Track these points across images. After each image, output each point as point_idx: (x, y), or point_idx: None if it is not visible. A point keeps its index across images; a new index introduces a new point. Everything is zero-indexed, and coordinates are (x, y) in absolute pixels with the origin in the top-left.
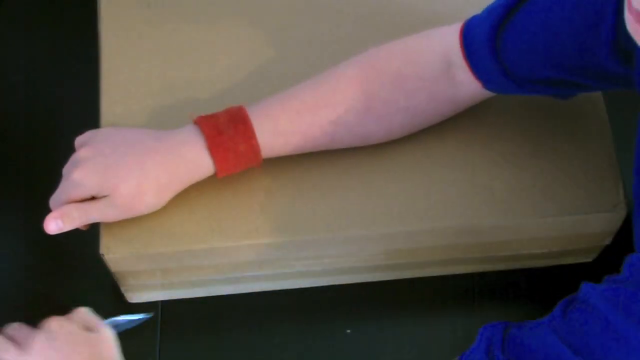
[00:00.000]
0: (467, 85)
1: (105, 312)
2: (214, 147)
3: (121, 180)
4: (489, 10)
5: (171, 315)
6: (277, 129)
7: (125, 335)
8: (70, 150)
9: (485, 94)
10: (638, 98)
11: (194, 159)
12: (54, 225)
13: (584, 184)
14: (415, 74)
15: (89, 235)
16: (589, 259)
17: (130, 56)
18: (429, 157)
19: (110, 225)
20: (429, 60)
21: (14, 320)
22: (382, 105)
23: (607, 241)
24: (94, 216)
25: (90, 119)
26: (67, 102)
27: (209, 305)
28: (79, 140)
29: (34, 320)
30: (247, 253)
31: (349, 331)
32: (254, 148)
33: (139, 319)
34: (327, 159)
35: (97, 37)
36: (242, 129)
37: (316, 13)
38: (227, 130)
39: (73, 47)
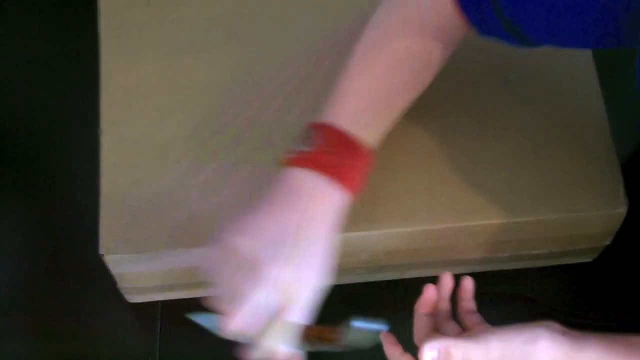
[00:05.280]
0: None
1: (105, 312)
2: (334, 174)
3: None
4: None
5: (171, 315)
6: (377, 129)
7: (125, 335)
8: (69, 150)
9: None
10: (637, 97)
11: (325, 199)
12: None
13: (584, 184)
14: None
15: (89, 235)
16: (589, 259)
17: (130, 56)
18: (429, 157)
19: (110, 225)
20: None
21: (14, 320)
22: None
23: (607, 241)
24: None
25: (90, 119)
26: (67, 102)
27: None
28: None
29: (34, 320)
30: None
31: None
32: (367, 156)
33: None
34: None
35: (97, 37)
36: (346, 147)
37: (316, 11)
38: (333, 151)
39: (73, 47)
